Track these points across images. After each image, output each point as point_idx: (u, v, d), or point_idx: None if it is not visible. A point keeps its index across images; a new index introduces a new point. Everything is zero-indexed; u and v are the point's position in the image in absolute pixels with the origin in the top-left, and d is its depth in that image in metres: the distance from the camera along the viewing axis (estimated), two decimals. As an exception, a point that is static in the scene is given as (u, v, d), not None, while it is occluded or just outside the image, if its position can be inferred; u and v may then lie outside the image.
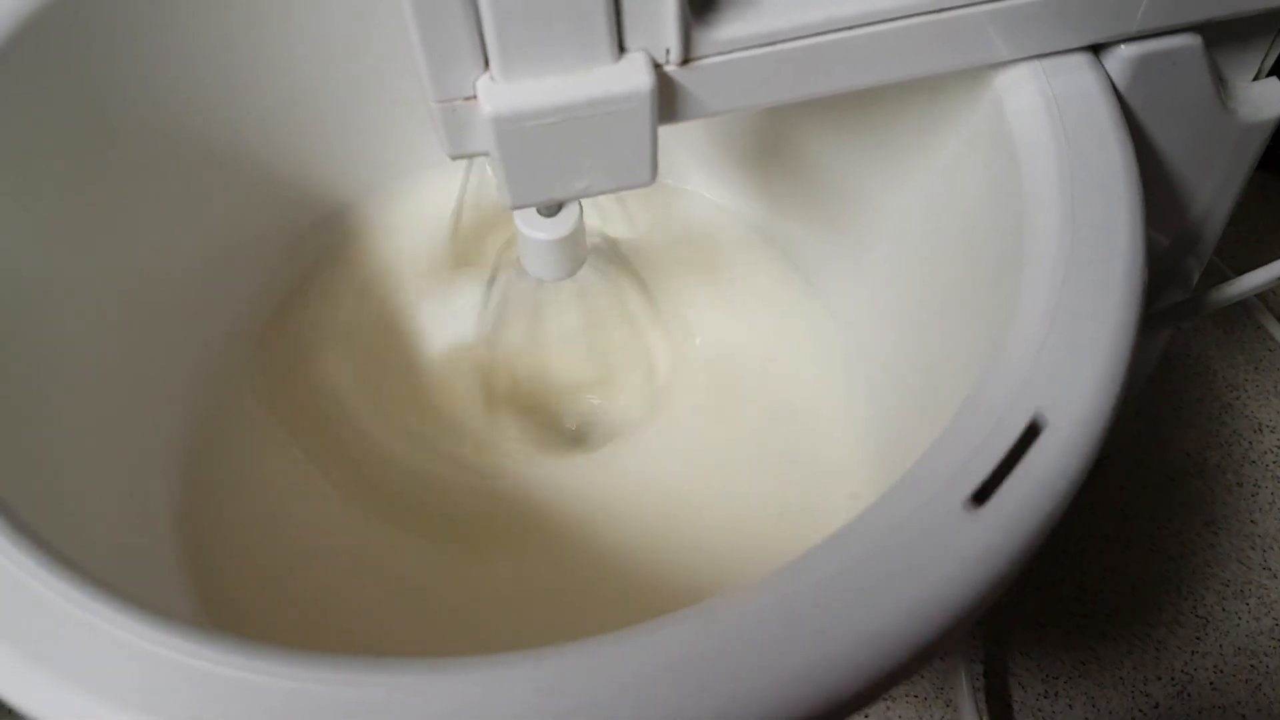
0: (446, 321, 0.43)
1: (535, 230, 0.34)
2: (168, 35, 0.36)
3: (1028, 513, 0.23)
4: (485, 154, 0.26)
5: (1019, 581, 0.29)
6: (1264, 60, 0.33)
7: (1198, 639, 0.50)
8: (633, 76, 0.25)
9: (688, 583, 0.37)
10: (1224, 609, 0.51)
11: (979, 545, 0.22)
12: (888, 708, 0.48)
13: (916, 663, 0.22)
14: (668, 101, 0.27)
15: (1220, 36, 0.31)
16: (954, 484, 0.23)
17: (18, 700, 0.21)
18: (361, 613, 0.36)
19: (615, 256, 0.41)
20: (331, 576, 0.37)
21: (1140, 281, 0.26)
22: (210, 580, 0.36)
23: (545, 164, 0.26)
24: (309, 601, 0.36)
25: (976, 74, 0.30)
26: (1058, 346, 0.25)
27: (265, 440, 0.40)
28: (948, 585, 0.22)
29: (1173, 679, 0.49)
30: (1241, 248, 0.62)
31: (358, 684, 0.21)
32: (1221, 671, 0.50)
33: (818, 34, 0.26)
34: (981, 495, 0.23)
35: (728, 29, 0.26)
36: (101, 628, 0.22)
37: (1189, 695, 0.49)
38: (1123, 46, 0.30)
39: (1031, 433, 0.24)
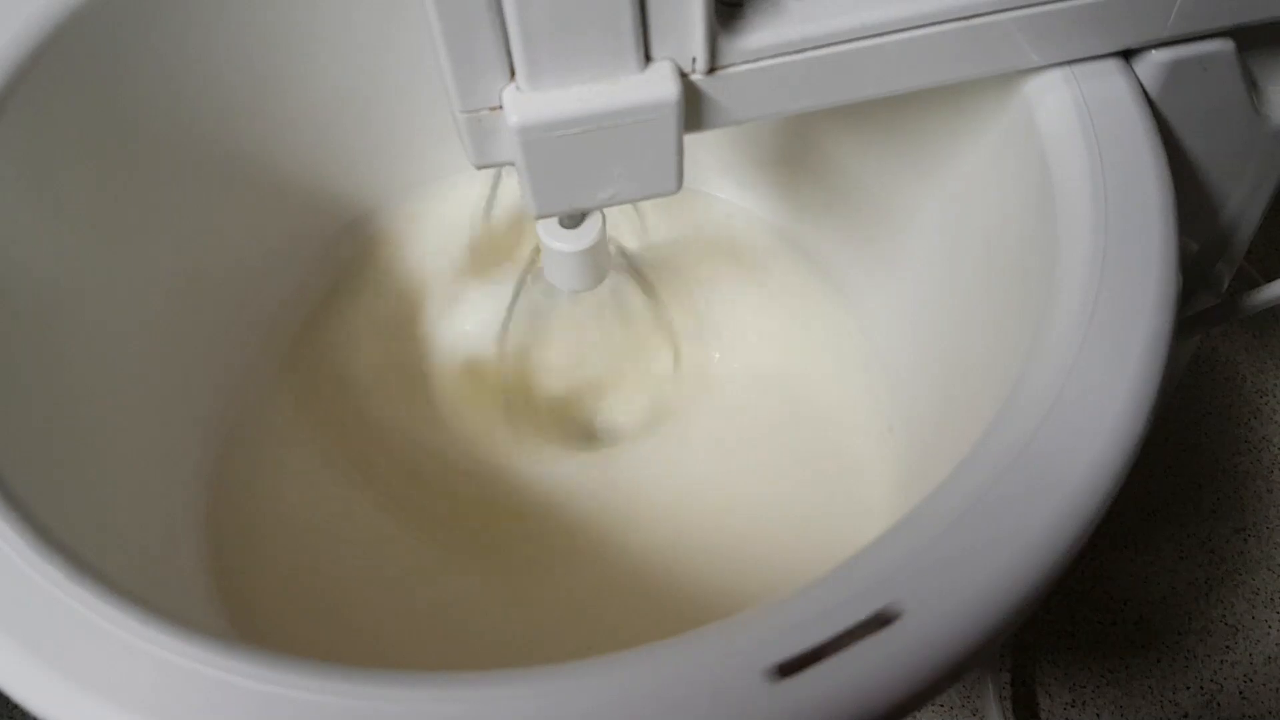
0: (470, 328, 0.43)
1: (558, 242, 0.34)
2: (193, 44, 0.36)
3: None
4: (511, 163, 0.26)
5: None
6: (1297, 64, 0.32)
7: (1227, 647, 0.50)
8: (659, 86, 0.25)
9: (710, 588, 0.37)
10: (1254, 617, 0.51)
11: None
12: (915, 716, 0.48)
13: (965, 667, 0.21)
14: (693, 110, 0.26)
15: (1253, 41, 0.30)
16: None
17: (39, 707, 0.22)
18: (383, 619, 0.36)
19: (633, 265, 0.41)
20: (354, 582, 0.37)
21: (1174, 288, 0.26)
22: (233, 584, 0.36)
23: (570, 173, 0.26)
24: (331, 607, 0.36)
25: (1006, 80, 0.30)
26: (1092, 354, 0.25)
27: (290, 446, 0.40)
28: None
29: (1201, 688, 0.49)
30: (1273, 253, 0.62)
31: (376, 697, 0.21)
32: (1251, 680, 0.49)
33: (844, 41, 0.26)
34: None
35: (754, 37, 0.26)
36: (123, 637, 0.22)
37: (1218, 705, 0.48)
38: (1154, 52, 0.29)
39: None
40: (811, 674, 0.21)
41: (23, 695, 0.22)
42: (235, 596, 0.36)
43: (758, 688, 0.21)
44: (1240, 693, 0.49)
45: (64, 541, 0.24)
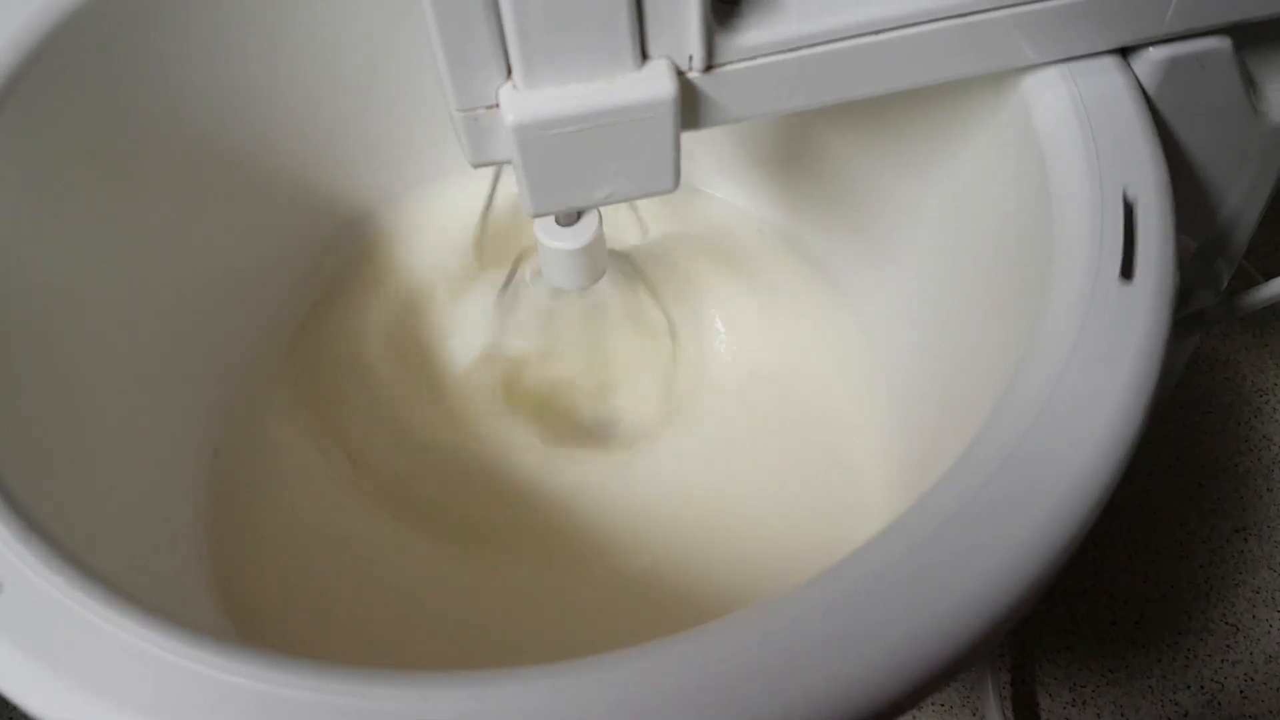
0: (470, 328, 0.43)
1: (554, 240, 0.34)
2: (192, 44, 0.36)
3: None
4: (507, 162, 0.26)
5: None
6: (1295, 62, 0.32)
7: (1228, 647, 0.50)
8: (655, 84, 0.25)
9: (713, 588, 0.37)
10: (1254, 616, 0.51)
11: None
12: (914, 717, 0.48)
13: (960, 664, 0.21)
14: (690, 108, 0.26)
15: (1250, 38, 0.30)
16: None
17: (38, 709, 0.22)
18: (384, 619, 0.36)
19: (631, 264, 0.41)
20: (355, 582, 0.37)
21: (1171, 285, 0.26)
22: (233, 583, 0.36)
23: (567, 172, 0.26)
24: (332, 607, 0.36)
25: (1003, 77, 0.30)
26: (1089, 350, 0.25)
27: (290, 446, 0.40)
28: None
29: (1202, 687, 0.49)
30: (1271, 251, 0.61)
31: (378, 697, 0.21)
32: (1252, 680, 0.49)
33: (841, 39, 0.26)
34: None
35: (751, 35, 0.26)
36: (122, 637, 0.22)
37: (1219, 704, 0.48)
38: (1151, 49, 0.29)
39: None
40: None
41: (21, 697, 0.22)
42: (235, 596, 0.36)
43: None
44: (1241, 692, 0.49)
45: (63, 542, 0.24)
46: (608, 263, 0.36)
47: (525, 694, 0.21)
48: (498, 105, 0.25)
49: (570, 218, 0.34)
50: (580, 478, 0.39)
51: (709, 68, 0.26)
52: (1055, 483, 0.23)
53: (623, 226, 0.44)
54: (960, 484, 0.23)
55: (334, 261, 0.44)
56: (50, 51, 0.32)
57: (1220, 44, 0.30)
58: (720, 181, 0.47)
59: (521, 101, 0.25)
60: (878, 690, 0.21)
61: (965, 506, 0.23)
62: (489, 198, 0.43)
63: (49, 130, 0.32)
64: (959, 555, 0.22)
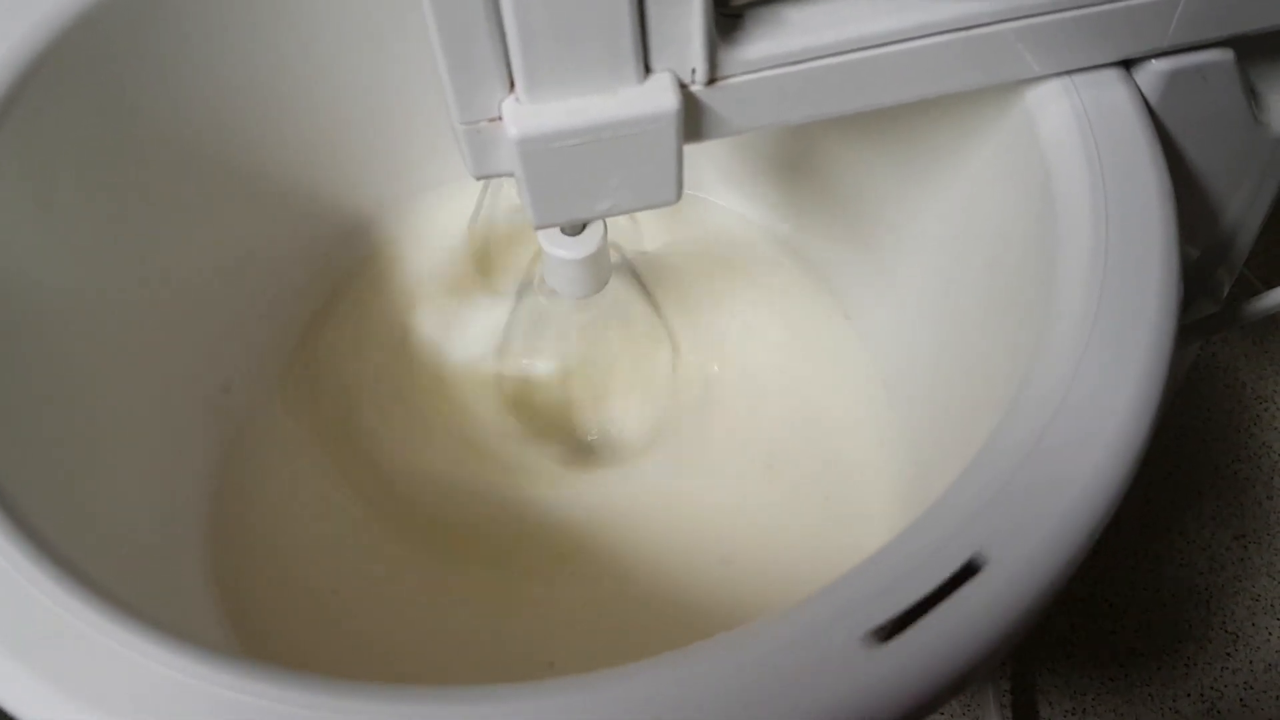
0: (469, 337, 0.42)
1: (559, 249, 0.34)
2: (195, 51, 0.36)
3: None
4: (510, 174, 0.26)
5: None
6: (1297, 73, 0.32)
7: (1228, 655, 0.50)
8: (658, 97, 0.25)
9: (715, 599, 0.37)
10: (1254, 624, 0.51)
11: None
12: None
13: (971, 677, 0.21)
14: (693, 121, 0.26)
15: (1252, 50, 0.30)
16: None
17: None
18: (386, 631, 0.36)
19: (634, 273, 0.41)
20: (356, 593, 0.37)
21: (1175, 297, 0.26)
22: (235, 594, 0.36)
23: (570, 184, 0.26)
24: (333, 618, 0.36)
25: (1006, 89, 0.30)
26: (1096, 359, 0.25)
27: (289, 454, 0.40)
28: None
29: (1202, 695, 0.49)
30: (1272, 260, 0.61)
31: (378, 713, 0.21)
32: (1252, 688, 0.49)
33: (844, 52, 0.26)
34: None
35: (754, 48, 0.26)
36: (121, 650, 0.22)
37: (1219, 712, 0.48)
38: (1154, 61, 0.29)
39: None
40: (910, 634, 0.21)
41: (19, 708, 0.22)
42: (236, 605, 0.36)
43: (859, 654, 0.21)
44: (1241, 700, 0.49)
45: (61, 552, 0.24)
46: (611, 271, 0.36)
47: (521, 712, 0.21)
48: (500, 118, 0.25)
49: (575, 227, 0.34)
50: (579, 487, 0.39)
51: (712, 81, 0.26)
52: (1069, 487, 0.23)
53: (624, 234, 0.44)
54: (973, 488, 0.23)
55: (336, 268, 0.44)
56: (55, 55, 0.32)
57: (1222, 56, 0.30)
58: (722, 189, 0.47)
59: (524, 114, 0.24)
60: (889, 703, 0.21)
61: (980, 510, 0.23)
62: (490, 207, 0.43)
63: (53, 133, 0.32)
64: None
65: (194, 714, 0.21)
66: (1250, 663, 0.50)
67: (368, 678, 0.22)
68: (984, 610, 0.22)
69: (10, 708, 0.22)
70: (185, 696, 0.21)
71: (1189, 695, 0.49)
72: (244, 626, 0.35)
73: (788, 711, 0.21)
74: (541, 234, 0.34)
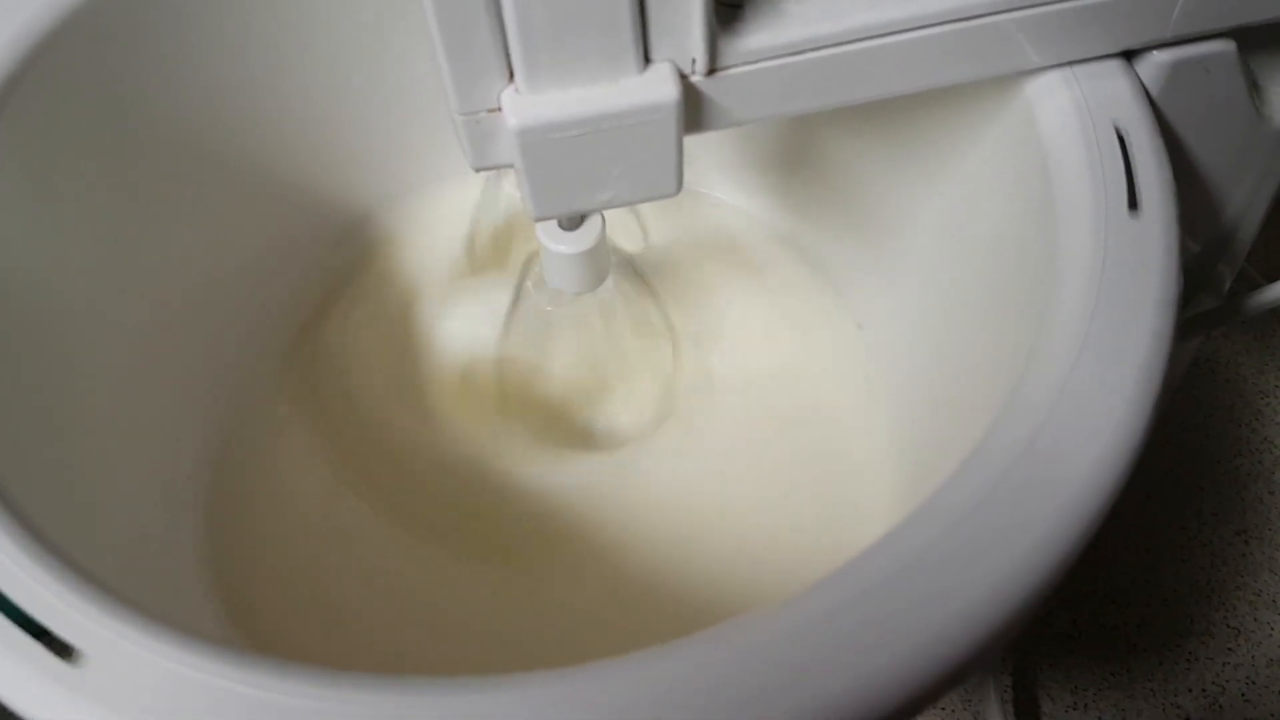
0: (469, 330, 0.42)
1: (558, 244, 0.34)
2: (192, 46, 0.36)
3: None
4: (509, 166, 0.26)
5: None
6: (1299, 65, 0.32)
7: (1229, 650, 0.50)
8: (658, 87, 0.25)
9: (713, 592, 0.37)
10: (1256, 619, 0.51)
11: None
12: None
13: (971, 666, 0.21)
14: (693, 112, 0.26)
15: (1255, 42, 0.30)
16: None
17: (38, 715, 0.21)
18: (383, 623, 0.36)
19: (632, 267, 0.41)
20: (355, 586, 0.37)
21: (1176, 289, 0.26)
22: (235, 587, 0.36)
23: (570, 176, 0.26)
24: (332, 611, 0.36)
25: (1007, 81, 0.30)
26: (1094, 353, 0.25)
27: (289, 448, 0.40)
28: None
29: (1204, 691, 0.49)
30: (1273, 254, 0.61)
31: (377, 703, 0.21)
32: (1254, 683, 0.49)
33: (844, 43, 0.26)
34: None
35: (754, 39, 0.25)
36: (120, 642, 0.22)
37: (1221, 707, 0.48)
38: (1156, 52, 0.29)
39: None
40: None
41: (18, 702, 0.22)
42: (236, 599, 0.36)
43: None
44: (1243, 695, 0.49)
45: (61, 546, 0.24)
46: (611, 266, 0.36)
47: (519, 702, 0.21)
48: (500, 109, 0.25)
49: (574, 221, 0.34)
50: (580, 481, 0.39)
51: (712, 71, 0.26)
52: (1068, 480, 0.23)
53: (624, 230, 0.44)
54: (972, 483, 0.23)
55: (334, 263, 0.44)
56: (50, 52, 0.32)
57: (1225, 47, 0.29)
58: (721, 184, 0.47)
59: (524, 105, 0.24)
60: (885, 696, 0.21)
61: (979, 504, 0.23)
62: (489, 201, 0.43)
63: (49, 130, 0.32)
64: (969, 556, 0.22)
65: (195, 706, 0.21)
66: (1252, 658, 0.49)
67: (366, 669, 0.21)
68: (979, 608, 0.22)
69: (11, 703, 0.22)
70: (186, 689, 0.21)
71: (1190, 690, 0.49)
72: (243, 620, 0.35)
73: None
74: (540, 229, 0.34)
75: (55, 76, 0.32)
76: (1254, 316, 0.39)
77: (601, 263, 0.35)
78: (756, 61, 0.26)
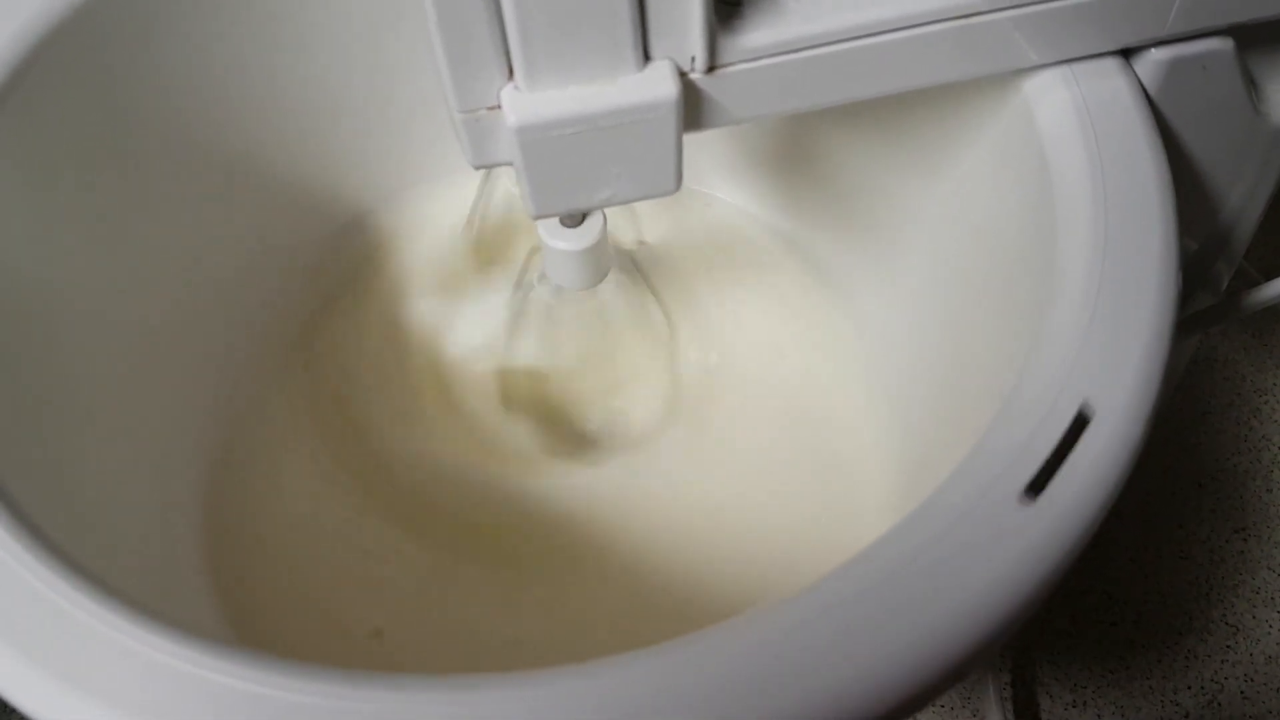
0: (470, 329, 0.42)
1: (559, 241, 0.34)
2: (191, 45, 0.36)
3: (1082, 503, 0.23)
4: (509, 164, 0.26)
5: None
6: (1297, 63, 0.32)
7: (1228, 647, 0.50)
8: (658, 85, 0.25)
9: (714, 591, 0.37)
10: (1254, 616, 0.51)
11: (1038, 536, 0.22)
12: (913, 717, 0.48)
13: (971, 663, 0.21)
14: (693, 110, 0.26)
15: (1252, 40, 0.30)
16: (1006, 477, 0.23)
17: (37, 712, 0.21)
18: (384, 623, 0.36)
19: (633, 265, 0.41)
20: (354, 586, 0.37)
21: (1174, 287, 0.26)
22: (234, 585, 0.36)
23: (569, 174, 0.26)
24: (331, 611, 0.36)
25: (1005, 79, 0.30)
26: (1095, 347, 0.25)
27: (289, 448, 0.40)
28: (1007, 579, 0.22)
29: (1203, 688, 0.49)
30: (1271, 252, 0.61)
31: (374, 700, 0.21)
32: (1252, 680, 0.49)
33: (843, 40, 0.26)
34: (1036, 487, 0.23)
35: (753, 36, 0.26)
36: (121, 641, 0.22)
37: (1219, 704, 0.48)
38: (1153, 50, 0.29)
39: (1079, 425, 0.24)
40: (1054, 484, 0.23)
41: (21, 700, 0.22)
42: (235, 599, 0.35)
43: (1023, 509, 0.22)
44: (1241, 692, 0.49)
45: (62, 545, 0.24)
46: (612, 263, 0.36)
47: (519, 700, 0.21)
48: (499, 107, 0.25)
49: (575, 219, 0.34)
50: (580, 481, 0.39)
51: (711, 69, 0.26)
52: (1066, 479, 0.23)
53: (624, 228, 0.44)
54: (969, 484, 0.23)
55: (334, 262, 0.44)
56: (48, 52, 0.32)
57: (1222, 45, 0.29)
58: (721, 183, 0.47)
59: (523, 103, 0.24)
60: (885, 693, 0.21)
61: (975, 505, 0.23)
62: (488, 199, 0.43)
63: (47, 130, 0.32)
64: (969, 554, 0.22)
65: (193, 703, 0.21)
66: (1250, 655, 0.50)
67: (363, 667, 0.22)
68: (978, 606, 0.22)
69: (11, 698, 0.22)
70: (184, 686, 0.21)
71: (1189, 688, 0.49)
72: (242, 617, 0.35)
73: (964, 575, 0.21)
74: (541, 226, 0.34)
75: (55, 77, 0.32)
76: (1252, 314, 0.39)
77: (602, 260, 0.35)
78: (756, 59, 0.26)
